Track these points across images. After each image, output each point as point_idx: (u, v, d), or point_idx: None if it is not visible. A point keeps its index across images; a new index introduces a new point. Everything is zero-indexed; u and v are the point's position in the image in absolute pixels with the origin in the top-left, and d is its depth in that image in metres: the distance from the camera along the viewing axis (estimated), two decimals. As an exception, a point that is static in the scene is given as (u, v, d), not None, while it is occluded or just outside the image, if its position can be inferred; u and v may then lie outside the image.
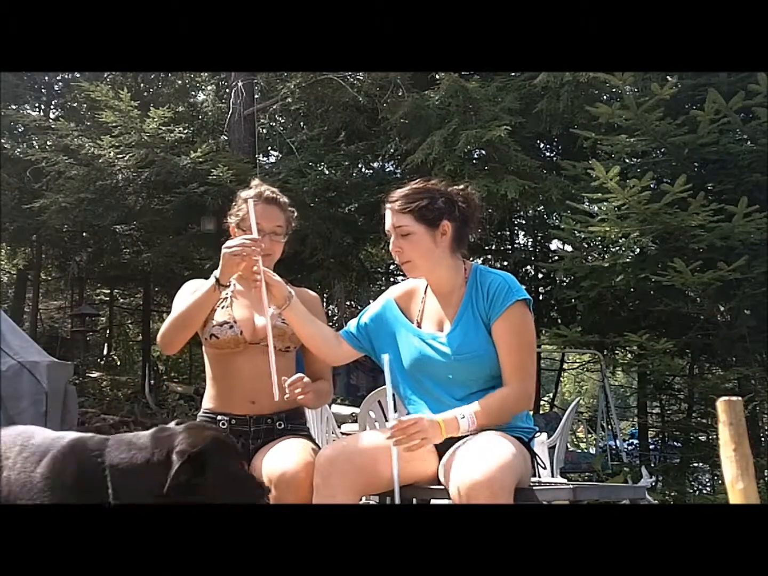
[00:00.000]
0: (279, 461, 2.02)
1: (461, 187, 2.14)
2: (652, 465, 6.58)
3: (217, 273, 2.09)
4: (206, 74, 10.70)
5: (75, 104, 11.22)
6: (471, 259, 2.25)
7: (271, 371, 1.99)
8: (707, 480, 6.58)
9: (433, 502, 2.10)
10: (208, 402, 2.29)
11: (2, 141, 8.94)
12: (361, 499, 2.05)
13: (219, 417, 2.23)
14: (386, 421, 3.54)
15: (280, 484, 1.95)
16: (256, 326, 2.23)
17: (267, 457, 2.08)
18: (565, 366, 12.61)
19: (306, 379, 2.08)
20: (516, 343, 2.01)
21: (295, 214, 2.40)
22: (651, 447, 7.92)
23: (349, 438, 2.04)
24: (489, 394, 1.98)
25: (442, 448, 1.99)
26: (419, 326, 2.13)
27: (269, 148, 9.96)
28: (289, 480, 1.94)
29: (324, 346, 2.20)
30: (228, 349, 2.22)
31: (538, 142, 8.36)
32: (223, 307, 2.26)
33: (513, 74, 6.91)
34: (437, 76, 7.04)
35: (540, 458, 2.22)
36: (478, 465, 1.74)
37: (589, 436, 8.06)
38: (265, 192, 2.29)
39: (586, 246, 5.91)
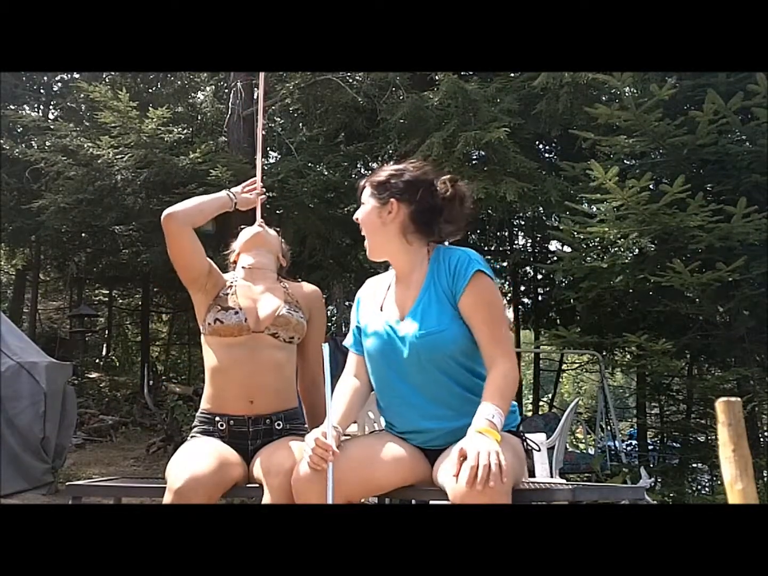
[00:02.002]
0: (275, 462, 2.02)
1: (447, 177, 2.07)
2: (651, 465, 6.59)
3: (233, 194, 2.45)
4: (205, 75, 10.69)
5: (74, 105, 11.21)
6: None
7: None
8: (706, 480, 6.58)
9: (431, 503, 2.09)
10: (206, 402, 2.29)
11: (1, 141, 8.94)
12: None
13: (217, 418, 2.23)
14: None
15: (274, 484, 1.95)
16: (259, 316, 2.28)
17: (263, 457, 2.08)
18: (564, 367, 12.62)
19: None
20: (488, 315, 1.92)
21: (290, 253, 2.64)
22: (650, 447, 7.92)
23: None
24: (490, 380, 1.85)
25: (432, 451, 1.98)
26: (381, 310, 2.10)
27: (268, 148, 9.94)
28: (284, 481, 1.94)
29: (365, 396, 2.16)
30: (231, 337, 2.23)
31: (537, 143, 8.37)
32: (228, 294, 2.31)
33: (512, 75, 6.91)
34: (436, 77, 7.05)
35: (529, 440, 2.16)
36: (471, 470, 1.67)
37: (588, 436, 8.05)
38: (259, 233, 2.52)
39: (585, 247, 5.91)
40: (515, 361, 1.94)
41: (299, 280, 2.59)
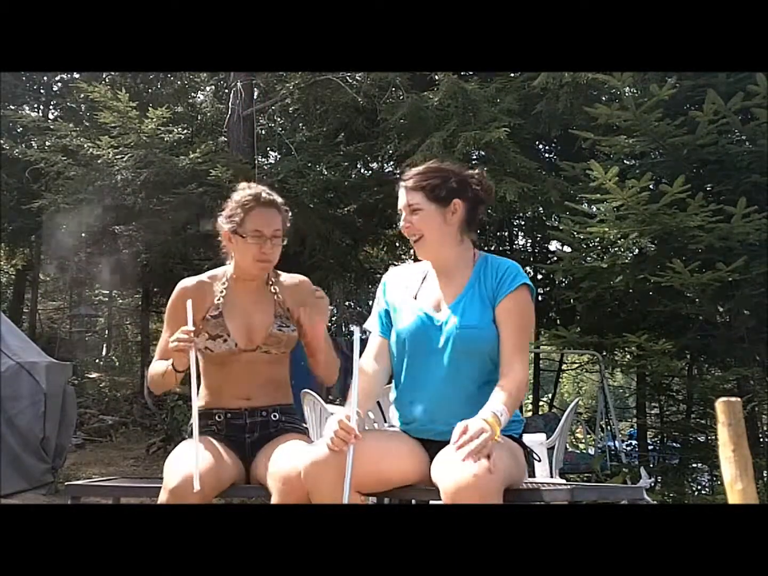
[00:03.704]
0: (283, 462, 2.01)
1: (476, 171, 2.17)
2: (651, 465, 6.58)
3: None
4: (205, 75, 10.69)
5: (74, 105, 11.21)
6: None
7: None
8: (706, 480, 6.58)
9: (431, 503, 2.09)
10: (202, 399, 2.28)
11: (1, 141, 8.94)
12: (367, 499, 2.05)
13: (215, 411, 2.25)
14: (385, 421, 3.55)
15: (282, 484, 1.95)
16: (250, 335, 2.23)
17: (267, 461, 2.07)
18: (564, 367, 12.60)
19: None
20: (519, 324, 2.02)
21: (290, 213, 2.37)
22: (650, 448, 7.91)
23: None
24: (504, 384, 1.92)
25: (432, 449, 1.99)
26: (415, 299, 2.13)
27: (268, 148, 9.95)
28: (294, 480, 1.94)
29: (385, 380, 2.20)
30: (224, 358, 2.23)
31: (537, 143, 8.36)
32: (215, 317, 2.23)
33: (512, 75, 6.91)
34: (436, 77, 7.04)
35: (534, 452, 2.21)
36: (465, 468, 1.71)
37: (588, 436, 8.05)
38: (261, 194, 2.23)
39: (585, 247, 5.91)
40: (527, 374, 2.05)
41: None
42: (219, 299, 2.25)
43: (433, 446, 1.99)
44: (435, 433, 2.02)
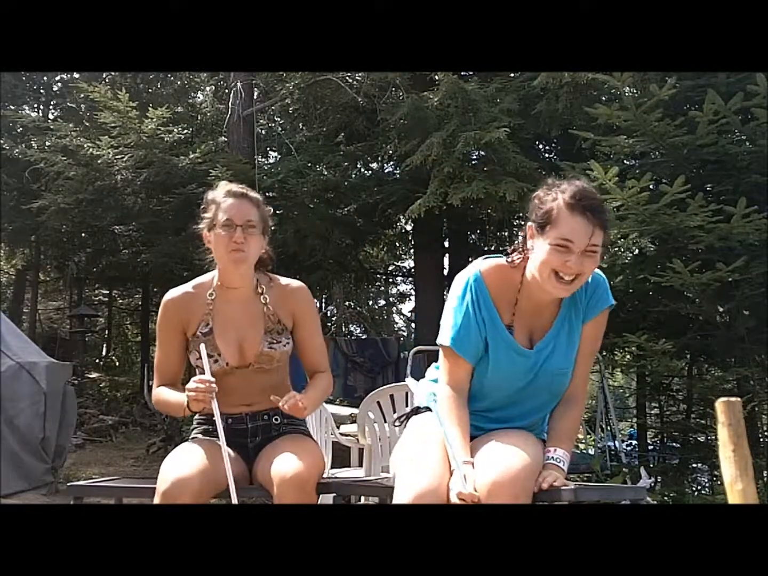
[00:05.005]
0: (282, 463, 2.01)
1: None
2: (651, 465, 6.57)
3: (187, 401, 2.08)
4: (205, 75, 10.70)
5: (74, 105, 11.22)
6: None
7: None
8: (706, 480, 6.57)
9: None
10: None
11: (1, 141, 8.94)
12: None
13: (215, 417, 2.23)
14: (385, 421, 3.54)
15: (282, 485, 1.95)
16: (242, 353, 2.20)
17: (269, 464, 2.06)
18: (564, 367, 12.59)
19: (296, 394, 2.07)
20: (593, 350, 1.98)
21: (271, 211, 2.30)
22: (650, 448, 7.91)
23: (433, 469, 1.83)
24: (569, 414, 1.93)
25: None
26: (510, 330, 1.92)
27: (268, 148, 9.96)
28: (292, 481, 1.94)
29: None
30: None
31: (537, 143, 8.36)
32: (205, 335, 2.20)
33: (512, 75, 6.91)
34: (436, 77, 7.04)
35: None
36: (501, 465, 1.72)
37: (588, 436, 8.04)
38: (232, 188, 2.22)
39: (584, 247, 5.89)
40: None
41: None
42: (208, 312, 2.22)
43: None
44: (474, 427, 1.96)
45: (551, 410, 2.02)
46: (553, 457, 1.86)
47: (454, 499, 1.69)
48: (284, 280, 2.31)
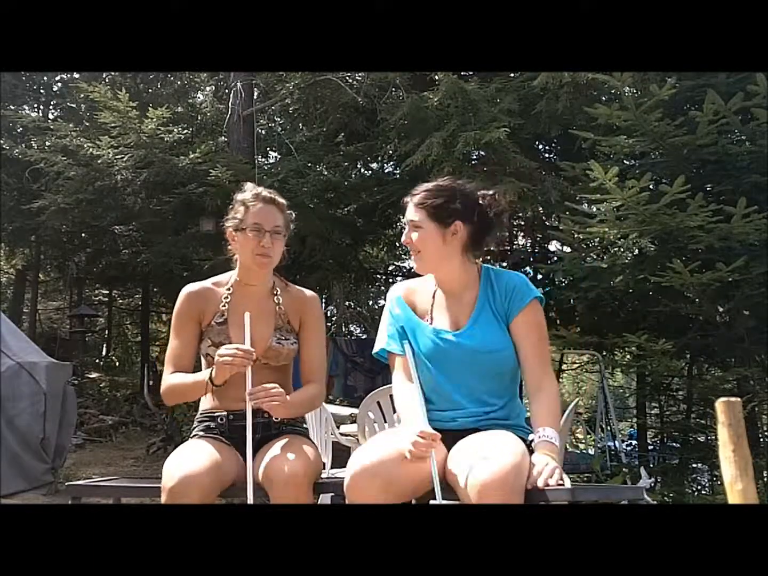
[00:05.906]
0: (279, 461, 2.02)
1: (491, 192, 2.16)
2: (651, 465, 6.58)
3: (210, 374, 2.12)
4: (205, 75, 10.70)
5: (74, 105, 11.23)
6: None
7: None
8: (706, 480, 6.57)
9: (431, 503, 2.08)
10: (205, 403, 2.31)
11: (1, 141, 8.94)
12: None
13: (216, 413, 2.26)
14: (385, 421, 3.55)
15: (278, 483, 1.96)
16: (252, 345, 2.20)
17: (267, 464, 2.06)
18: (564, 367, 12.59)
19: (274, 388, 2.08)
20: (538, 338, 2.07)
21: (293, 216, 2.41)
22: (650, 448, 7.91)
23: (381, 444, 1.97)
24: (543, 399, 2.00)
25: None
26: (431, 323, 2.13)
27: (268, 148, 9.96)
28: (288, 479, 1.95)
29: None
30: None
31: (537, 143, 8.35)
32: (219, 324, 2.27)
33: (512, 75, 6.90)
34: (436, 77, 7.04)
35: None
36: (490, 466, 1.73)
37: (588, 436, 8.05)
38: (262, 192, 2.31)
39: (584, 247, 5.91)
40: (557, 381, 2.13)
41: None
42: (224, 305, 2.29)
43: (447, 436, 1.99)
44: (457, 421, 2.06)
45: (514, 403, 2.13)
46: (542, 435, 1.93)
47: (412, 450, 1.82)
48: (298, 288, 2.42)
